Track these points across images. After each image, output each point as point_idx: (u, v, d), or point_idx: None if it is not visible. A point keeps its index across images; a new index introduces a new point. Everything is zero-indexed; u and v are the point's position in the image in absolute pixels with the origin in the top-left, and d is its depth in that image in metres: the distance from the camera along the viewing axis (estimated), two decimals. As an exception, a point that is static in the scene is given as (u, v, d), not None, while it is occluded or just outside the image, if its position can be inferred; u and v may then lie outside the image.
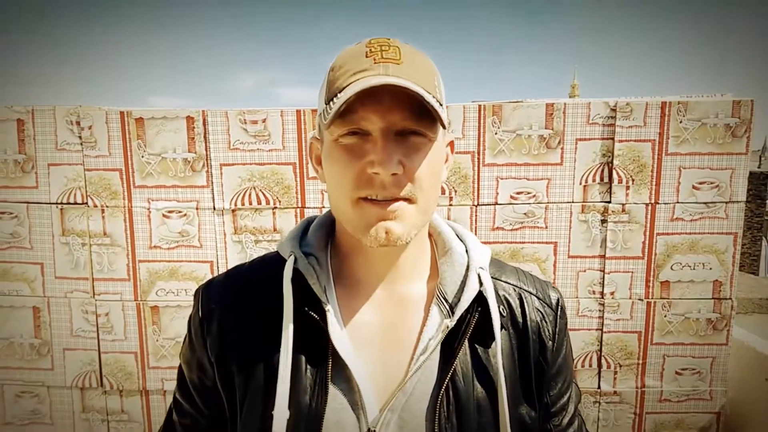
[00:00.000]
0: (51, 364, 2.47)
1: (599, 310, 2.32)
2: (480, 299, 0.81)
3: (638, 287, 2.30)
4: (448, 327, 0.78)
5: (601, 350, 2.34)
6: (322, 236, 0.87)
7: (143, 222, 2.34)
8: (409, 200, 0.74)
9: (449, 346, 0.79)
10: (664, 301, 2.30)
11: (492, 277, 0.85)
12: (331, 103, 0.71)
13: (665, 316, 2.30)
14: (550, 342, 0.86)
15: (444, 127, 0.76)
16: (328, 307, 0.77)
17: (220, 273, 0.92)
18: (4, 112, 2.34)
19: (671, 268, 2.28)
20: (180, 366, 0.90)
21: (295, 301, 0.78)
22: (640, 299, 2.30)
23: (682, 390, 2.35)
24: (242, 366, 0.80)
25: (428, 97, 0.69)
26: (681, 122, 2.19)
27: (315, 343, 0.77)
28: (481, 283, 0.81)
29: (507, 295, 0.86)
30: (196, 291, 0.88)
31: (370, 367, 0.78)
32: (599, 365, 2.35)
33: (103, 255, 2.38)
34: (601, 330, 2.33)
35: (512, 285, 0.88)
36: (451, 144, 0.86)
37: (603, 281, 2.30)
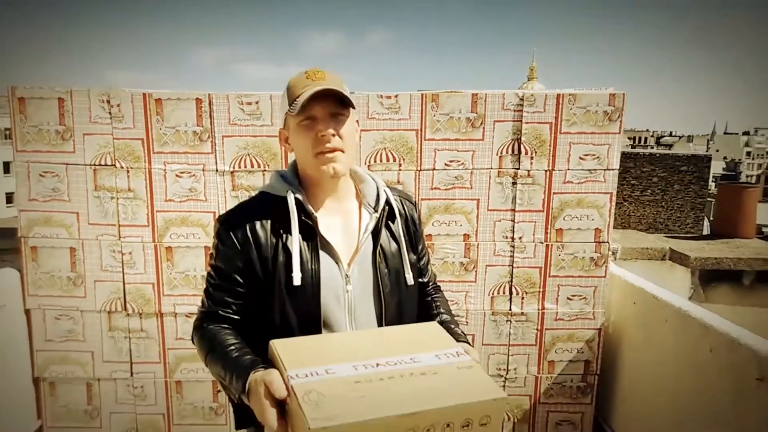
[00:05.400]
0: (84, 292, 3.09)
1: (510, 251, 3.07)
2: (388, 203, 1.57)
3: (539, 233, 3.05)
4: (375, 218, 1.54)
5: (511, 281, 3.10)
6: (295, 181, 1.55)
7: (160, 180, 2.98)
8: (341, 150, 1.44)
9: (376, 228, 1.54)
10: (558, 244, 3.06)
11: None
12: (294, 104, 1.42)
13: (559, 255, 3.07)
14: (417, 221, 1.68)
15: (353, 109, 1.50)
16: (315, 215, 1.48)
17: (233, 206, 1.61)
18: (48, 92, 2.92)
19: (564, 219, 3.04)
20: (213, 265, 1.52)
21: (297, 214, 1.48)
22: (541, 242, 3.06)
23: (572, 311, 3.12)
24: (259, 258, 1.46)
25: (345, 93, 1.42)
26: (571, 109, 2.92)
27: (308, 234, 1.48)
28: (386, 194, 1.58)
29: (395, 200, 1.61)
30: (219, 217, 1.55)
31: (339, 243, 1.51)
32: (510, 293, 3.11)
33: (127, 206, 3.01)
34: (512, 266, 3.08)
35: (396, 196, 1.65)
36: (357, 121, 1.58)
37: (513, 229, 3.05)
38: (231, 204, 2.99)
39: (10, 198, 44.68)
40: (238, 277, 1.50)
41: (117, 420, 3.23)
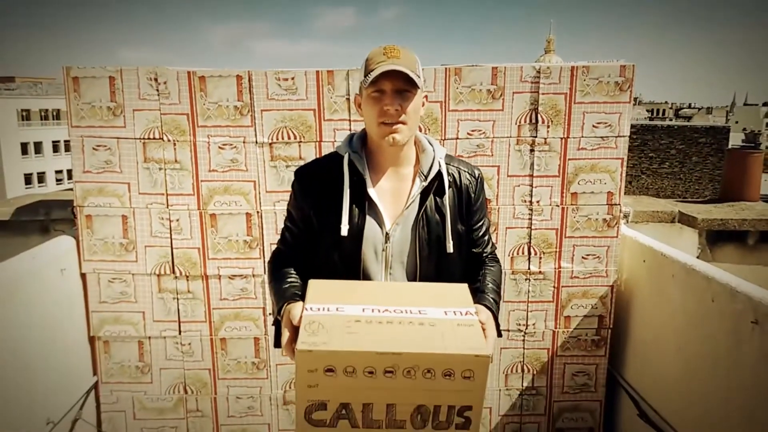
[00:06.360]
0: (135, 257, 3.34)
1: (529, 214, 3.29)
2: (439, 174, 1.72)
3: (555, 197, 3.27)
4: (423, 186, 1.72)
5: (530, 242, 3.33)
6: (360, 143, 1.77)
7: (204, 152, 3.23)
8: (404, 123, 1.62)
9: (424, 196, 1.72)
10: (573, 207, 3.28)
11: (446, 164, 1.78)
12: (367, 77, 1.61)
13: (574, 217, 3.29)
14: (474, 195, 1.81)
15: (420, 89, 1.66)
16: (366, 177, 1.70)
17: (310, 160, 1.89)
18: (100, 71, 3.15)
19: (578, 183, 3.25)
20: (288, 210, 1.84)
21: (350, 174, 1.70)
22: (557, 205, 3.28)
23: (586, 269, 3.35)
24: (319, 207, 1.72)
25: (412, 75, 1.60)
26: (585, 80, 3.12)
27: (358, 194, 1.69)
28: (440, 165, 1.73)
29: (453, 171, 1.79)
30: (296, 170, 1.82)
31: (385, 205, 1.71)
32: (529, 253, 3.34)
33: (174, 176, 3.26)
34: (530, 228, 3.31)
35: (455, 167, 1.81)
36: (426, 97, 1.77)
37: (531, 193, 3.27)
38: (270, 174, 3.24)
39: (28, 179, 45.55)
40: (301, 223, 1.77)
41: (166, 375, 3.51)
